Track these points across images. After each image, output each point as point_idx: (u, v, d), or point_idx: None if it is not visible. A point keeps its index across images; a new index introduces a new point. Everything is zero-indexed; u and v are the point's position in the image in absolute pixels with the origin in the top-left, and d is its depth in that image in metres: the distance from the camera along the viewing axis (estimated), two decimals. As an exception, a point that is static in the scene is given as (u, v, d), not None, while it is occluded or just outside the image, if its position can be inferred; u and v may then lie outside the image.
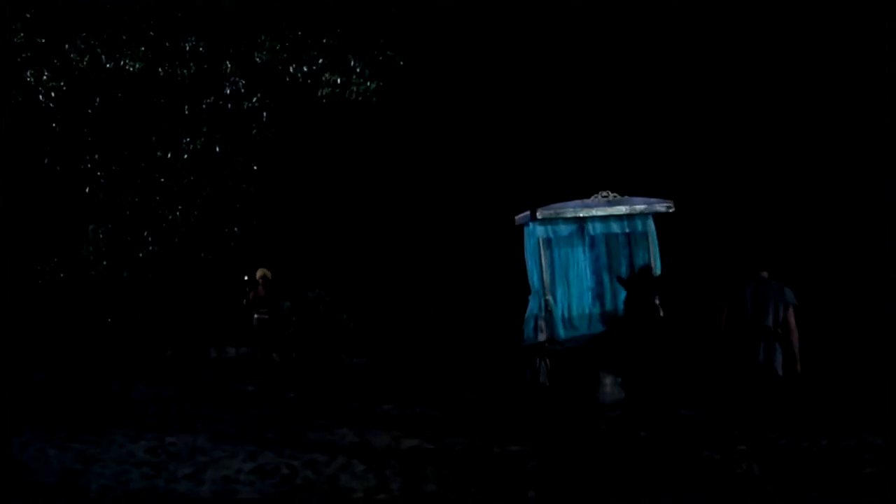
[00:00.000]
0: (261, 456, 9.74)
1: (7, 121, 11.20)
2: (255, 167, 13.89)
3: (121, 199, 14.41)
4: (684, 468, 8.91)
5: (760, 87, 14.45)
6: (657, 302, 10.91)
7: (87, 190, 14.12)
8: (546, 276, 12.16)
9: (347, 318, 16.55)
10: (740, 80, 14.41)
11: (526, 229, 12.55)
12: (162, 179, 13.42)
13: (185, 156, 13.33)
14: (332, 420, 12.03)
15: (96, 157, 13.67)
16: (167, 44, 13.93)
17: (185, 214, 13.66)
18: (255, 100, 13.56)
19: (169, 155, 13.18)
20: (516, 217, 12.60)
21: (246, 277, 15.23)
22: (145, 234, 13.84)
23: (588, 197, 12.35)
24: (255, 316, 15.34)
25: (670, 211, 12.27)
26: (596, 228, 12.43)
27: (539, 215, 12.07)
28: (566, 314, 12.32)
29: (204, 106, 13.44)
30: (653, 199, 12.32)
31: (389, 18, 13.95)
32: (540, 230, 12.31)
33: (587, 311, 12.49)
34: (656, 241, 12.35)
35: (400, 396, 13.58)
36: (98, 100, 14.27)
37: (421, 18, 14.30)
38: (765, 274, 9.43)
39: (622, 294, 11.70)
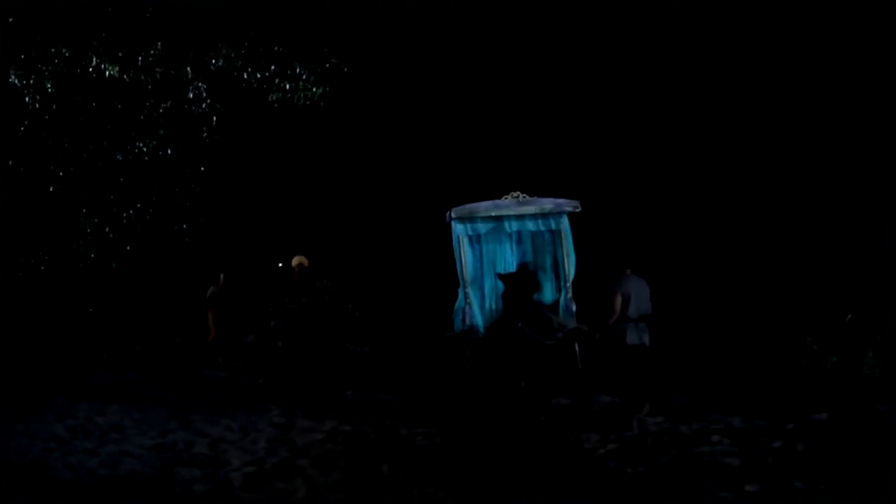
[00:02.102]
0: (172, 434, 10.42)
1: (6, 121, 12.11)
2: (202, 168, 14.77)
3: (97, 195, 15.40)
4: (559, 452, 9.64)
5: (653, 98, 15.11)
6: (533, 296, 11.67)
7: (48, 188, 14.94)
8: (466, 271, 12.87)
9: (353, 308, 17.02)
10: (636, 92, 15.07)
11: (452, 226, 13.28)
12: (121, 179, 14.35)
13: (143, 157, 14.23)
14: (278, 404, 12.65)
15: (66, 156, 14.51)
16: (136, 50, 14.84)
17: (140, 212, 14.57)
18: (205, 105, 14.42)
19: (122, 157, 14.05)
20: (446, 215, 13.38)
21: (280, 265, 14.94)
22: (106, 230, 14.69)
23: (500, 197, 13.06)
24: (287, 305, 14.63)
25: (577, 210, 12.98)
26: (512, 226, 13.06)
27: (453, 214, 12.81)
28: (494, 305, 12.85)
29: (161, 110, 14.34)
30: (561, 200, 12.99)
31: (334, 28, 14.79)
32: (459, 228, 12.96)
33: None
34: (570, 238, 13.01)
35: (371, 383, 14.18)
36: (78, 102, 15.18)
37: (362, 29, 15.12)
38: (628, 271, 11.06)
39: (547, 286, 12.54)
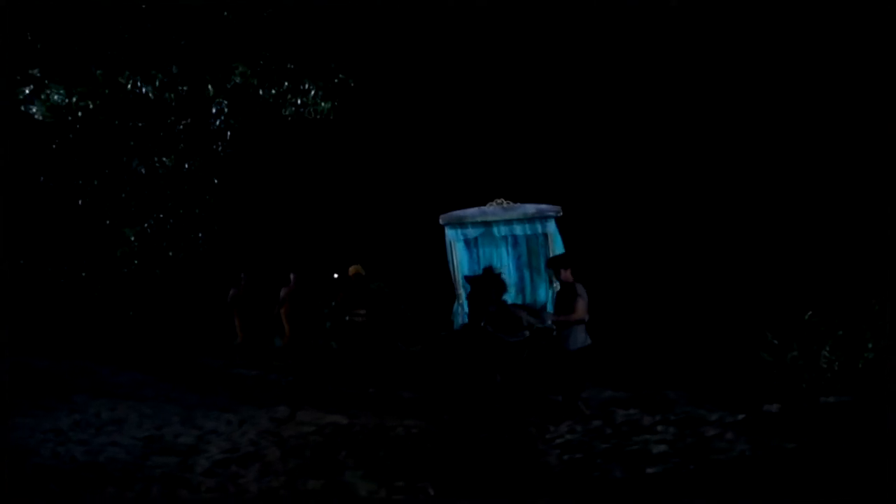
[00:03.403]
0: (169, 427, 10.99)
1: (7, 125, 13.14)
2: (215, 180, 15.75)
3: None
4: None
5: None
6: (500, 297, 12.37)
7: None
8: (458, 273, 13.64)
9: (404, 308, 17.64)
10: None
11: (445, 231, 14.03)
12: (145, 192, 15.44)
13: (163, 171, 15.29)
14: (293, 401, 13.16)
15: (93, 170, 15.63)
16: (163, 69, 15.91)
17: (161, 222, 15.61)
18: (219, 122, 15.41)
19: (145, 170, 15.13)
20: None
21: (336, 275, 15.39)
22: (144, 238, 15.74)
23: (485, 204, 13.78)
24: (347, 318, 14.71)
25: (559, 215, 13.64)
26: (501, 231, 13.80)
27: (441, 221, 13.58)
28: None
29: (182, 126, 15.38)
30: (543, 206, 13.70)
31: (341, 45, 15.66)
32: (451, 233, 13.74)
33: (510, 302, 13.89)
34: (558, 240, 13.70)
35: (406, 380, 14.32)
36: (105, 119, 16.31)
37: (366, 46, 15.95)
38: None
39: (541, 287, 13.25)
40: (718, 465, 8.06)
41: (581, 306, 11.17)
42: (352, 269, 14.60)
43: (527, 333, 11.55)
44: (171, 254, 15.88)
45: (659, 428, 10.39)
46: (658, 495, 7.35)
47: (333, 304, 15.18)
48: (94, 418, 11.36)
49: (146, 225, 15.18)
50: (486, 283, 12.07)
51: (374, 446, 10.08)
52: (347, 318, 14.58)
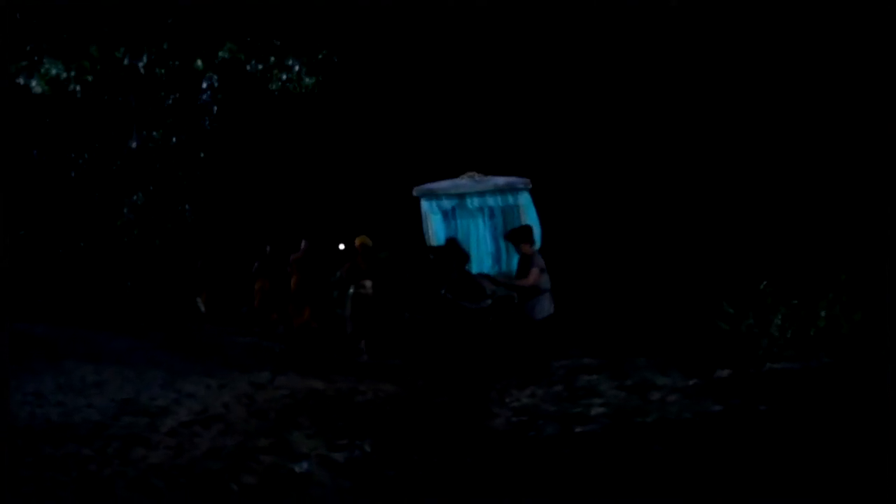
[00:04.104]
0: (148, 390, 11.43)
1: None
2: (202, 154, 16.27)
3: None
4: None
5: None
6: (464, 267, 12.79)
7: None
8: (433, 243, 14.09)
9: (412, 277, 18.13)
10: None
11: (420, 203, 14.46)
12: (136, 165, 15.99)
13: (153, 145, 15.83)
14: (277, 367, 13.58)
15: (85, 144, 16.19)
16: (155, 44, 16.41)
17: (151, 195, 16.17)
18: (206, 96, 15.90)
19: (134, 145, 15.68)
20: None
21: (342, 246, 15.27)
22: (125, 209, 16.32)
23: (457, 176, 14.21)
24: (352, 290, 14.58)
25: (529, 188, 14.07)
26: (474, 202, 14.26)
27: (415, 192, 14.04)
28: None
29: (171, 100, 15.90)
30: (513, 178, 14.13)
31: (325, 23, 16.10)
32: (426, 205, 14.21)
33: (487, 271, 14.36)
34: (532, 212, 14.12)
35: (400, 350, 14.35)
36: (109, 96, 16.85)
37: (348, 21, 16.38)
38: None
39: (516, 258, 13.70)
40: (642, 425, 8.46)
41: (534, 274, 11.59)
42: (358, 240, 14.56)
43: (489, 301, 11.91)
44: (169, 225, 16.30)
45: (611, 392, 10.78)
46: (572, 449, 7.79)
47: (339, 274, 15.05)
48: (78, 382, 11.69)
49: (134, 198, 15.64)
50: (448, 253, 12.44)
51: (338, 409, 10.55)
52: (353, 289, 14.51)
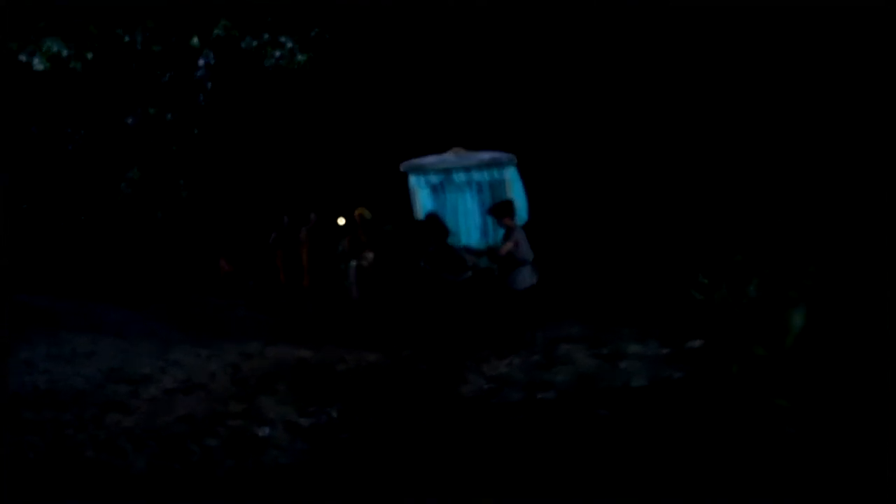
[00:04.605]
0: (137, 360, 11.69)
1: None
2: (196, 130, 16.58)
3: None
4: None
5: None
6: (444, 240, 13.02)
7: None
8: (419, 217, 14.33)
9: (415, 250, 18.31)
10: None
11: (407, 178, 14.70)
12: (132, 140, 16.32)
13: (149, 120, 16.15)
14: (270, 337, 13.82)
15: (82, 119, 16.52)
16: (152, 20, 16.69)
17: (146, 170, 16.50)
18: (200, 73, 16.21)
19: (131, 120, 16.01)
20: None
21: (341, 219, 15.10)
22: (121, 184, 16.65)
23: (443, 152, 14.43)
24: (354, 263, 14.50)
25: (514, 163, 14.29)
26: (461, 177, 14.49)
27: (402, 168, 14.29)
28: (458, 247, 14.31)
29: (167, 78, 16.21)
30: (498, 153, 14.35)
31: (317, 1, 16.36)
32: (413, 180, 14.46)
33: (474, 244, 14.62)
34: (518, 187, 14.34)
35: (397, 321, 14.15)
36: (108, 72, 17.16)
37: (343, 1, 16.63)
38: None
39: (501, 231, 13.95)
40: (598, 391, 8.73)
41: (508, 245, 11.87)
42: (357, 212, 14.51)
43: (469, 273, 12.17)
44: (165, 200, 16.59)
45: (585, 361, 11.02)
46: (527, 415, 8.08)
47: (340, 248, 15.00)
48: (70, 352, 11.92)
49: (130, 173, 15.95)
50: (428, 227, 12.69)
51: (317, 377, 10.81)
52: (354, 262, 14.52)
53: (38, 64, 15.91)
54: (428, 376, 10.64)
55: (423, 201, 14.13)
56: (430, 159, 13.99)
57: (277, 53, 16.29)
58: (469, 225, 14.49)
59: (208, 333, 14.13)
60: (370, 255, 14.32)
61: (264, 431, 7.78)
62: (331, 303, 15.81)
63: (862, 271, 9.02)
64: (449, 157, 13.90)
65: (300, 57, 16.32)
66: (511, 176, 13.89)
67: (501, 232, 13.03)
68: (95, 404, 9.15)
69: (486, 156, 13.81)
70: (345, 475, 6.86)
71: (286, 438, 7.71)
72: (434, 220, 12.93)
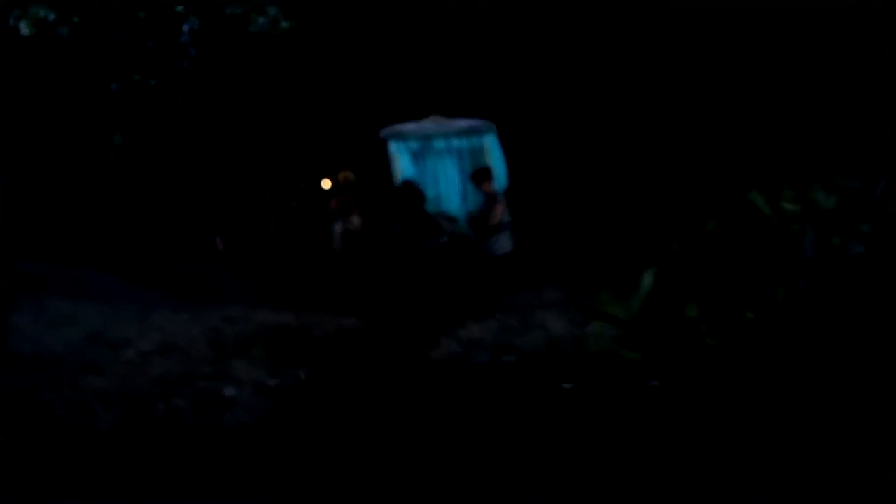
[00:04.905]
0: (118, 324, 11.78)
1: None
2: (179, 97, 16.71)
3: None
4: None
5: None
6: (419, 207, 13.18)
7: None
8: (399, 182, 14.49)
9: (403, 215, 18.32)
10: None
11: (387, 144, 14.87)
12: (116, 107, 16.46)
13: (135, 87, 16.28)
14: (254, 301, 14.00)
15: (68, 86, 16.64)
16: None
17: (131, 135, 16.63)
18: (184, 39, 16.32)
19: (115, 86, 16.14)
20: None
21: (326, 182, 14.80)
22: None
23: (422, 119, 14.57)
24: (339, 228, 14.15)
25: (493, 130, 14.44)
26: (441, 144, 14.65)
27: (382, 134, 14.44)
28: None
29: (151, 44, 16.32)
30: (477, 121, 14.51)
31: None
32: (393, 146, 14.63)
33: (455, 210, 14.80)
34: (497, 153, 14.51)
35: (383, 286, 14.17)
36: (92, 37, 17.25)
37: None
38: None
39: (479, 197, 14.11)
40: (560, 353, 8.92)
41: (499, 211, 12.05)
42: (341, 175, 14.27)
43: (445, 239, 12.35)
44: (160, 161, 16.67)
45: (557, 326, 11.29)
46: (488, 375, 8.31)
47: (326, 212, 14.60)
48: (54, 317, 11.99)
49: (116, 138, 16.07)
50: (403, 193, 12.86)
51: (294, 341, 11.06)
52: (340, 225, 14.20)
53: (24, 29, 15.97)
54: (402, 340, 10.70)
55: (403, 167, 14.21)
56: (409, 126, 14.09)
57: (261, 20, 16.31)
58: (449, 191, 14.56)
59: (192, 298, 14.21)
60: (356, 219, 14.17)
61: (230, 391, 7.95)
62: (316, 268, 15.55)
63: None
64: (428, 124, 13.99)
65: (284, 24, 16.38)
66: (490, 143, 13.94)
67: (481, 198, 13.12)
68: (73, 367, 9.32)
69: (464, 123, 13.95)
70: (303, 433, 7.05)
71: (251, 398, 7.89)
72: (409, 186, 13.06)
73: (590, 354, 8.68)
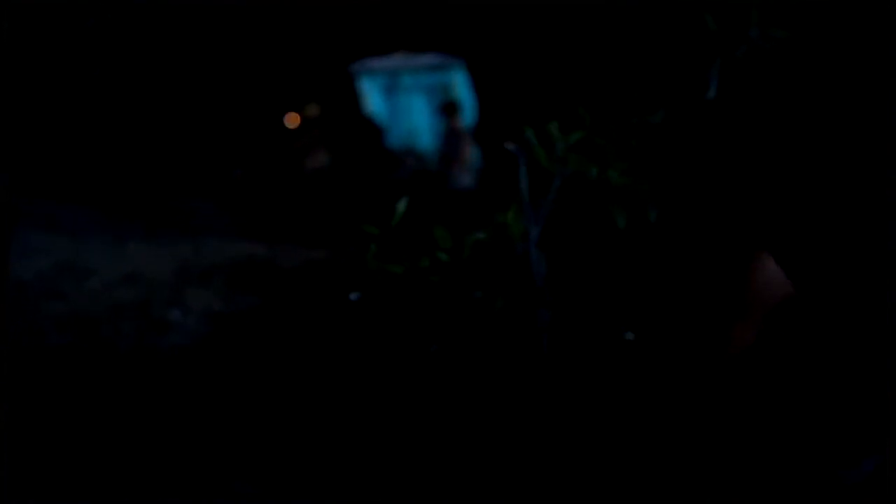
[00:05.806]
0: (88, 255, 11.99)
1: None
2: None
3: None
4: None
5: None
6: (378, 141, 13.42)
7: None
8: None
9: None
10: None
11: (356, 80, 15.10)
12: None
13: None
14: (229, 233, 14.19)
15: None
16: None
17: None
18: None
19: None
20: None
21: (295, 117, 14.53)
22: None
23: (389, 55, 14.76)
24: (309, 165, 13.85)
25: (461, 66, 14.63)
26: (409, 80, 14.86)
27: (350, 70, 14.64)
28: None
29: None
30: (445, 57, 14.70)
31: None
32: (363, 82, 14.83)
33: (424, 146, 15.06)
34: (465, 89, 14.73)
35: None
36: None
37: None
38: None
39: (446, 131, 14.32)
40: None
41: (466, 150, 12.29)
42: (308, 110, 14.07)
43: (405, 174, 12.61)
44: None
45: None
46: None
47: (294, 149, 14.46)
48: (28, 249, 11.99)
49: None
50: (362, 127, 13.08)
51: (257, 271, 11.34)
52: (310, 165, 14.01)
53: None
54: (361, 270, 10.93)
55: (373, 103, 14.37)
56: (378, 62, 14.20)
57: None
58: (419, 127, 14.68)
59: (168, 231, 14.31)
60: (322, 155, 14.13)
61: (176, 316, 8.24)
62: (292, 202, 15.84)
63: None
64: (397, 60, 14.12)
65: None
66: (458, 79, 14.07)
67: (447, 132, 13.36)
68: (37, 294, 9.56)
69: (433, 59, 14.04)
70: (236, 358, 7.37)
71: (195, 323, 8.17)
72: (367, 121, 13.25)
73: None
